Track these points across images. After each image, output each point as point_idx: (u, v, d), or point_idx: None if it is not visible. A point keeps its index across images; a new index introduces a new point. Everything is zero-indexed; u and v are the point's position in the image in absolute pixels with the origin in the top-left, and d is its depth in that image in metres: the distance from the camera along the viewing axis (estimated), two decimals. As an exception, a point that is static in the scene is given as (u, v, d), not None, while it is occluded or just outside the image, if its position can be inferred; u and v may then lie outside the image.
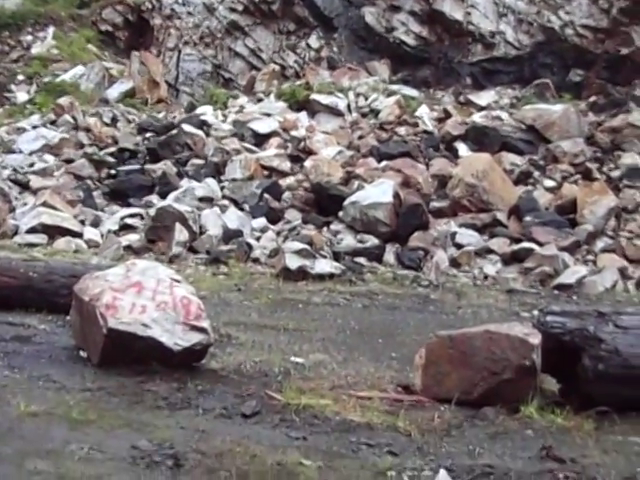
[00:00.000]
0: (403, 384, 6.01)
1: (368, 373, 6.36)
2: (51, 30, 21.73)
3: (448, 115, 16.27)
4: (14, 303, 7.76)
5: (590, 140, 14.81)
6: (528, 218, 12.59)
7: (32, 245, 12.30)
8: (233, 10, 20.46)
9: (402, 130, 15.85)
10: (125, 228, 13.02)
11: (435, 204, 13.23)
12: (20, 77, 20.20)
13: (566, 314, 5.77)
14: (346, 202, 12.77)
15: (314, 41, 19.99)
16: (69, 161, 15.40)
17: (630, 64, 17.44)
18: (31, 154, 15.69)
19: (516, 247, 12.07)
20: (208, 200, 13.51)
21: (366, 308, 9.73)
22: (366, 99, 17.10)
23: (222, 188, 14.05)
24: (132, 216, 13.36)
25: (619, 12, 17.65)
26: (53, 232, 12.71)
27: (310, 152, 15.05)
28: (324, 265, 11.24)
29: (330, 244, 12.20)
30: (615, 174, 13.96)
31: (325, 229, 12.75)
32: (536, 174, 14.11)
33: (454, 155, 14.80)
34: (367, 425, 5.16)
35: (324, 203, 13.27)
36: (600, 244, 12.42)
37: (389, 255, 12.13)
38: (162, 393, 5.54)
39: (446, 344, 5.76)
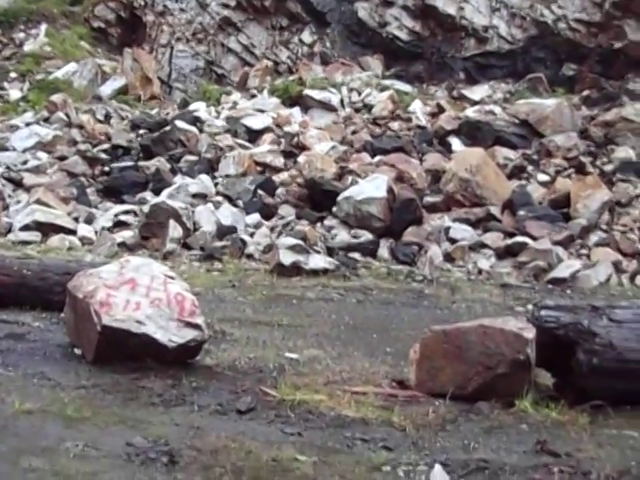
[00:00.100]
0: (398, 379, 6.01)
1: (362, 368, 6.36)
2: (43, 27, 21.62)
3: (441, 110, 16.25)
4: (8, 301, 7.74)
5: (583, 134, 14.83)
6: (522, 212, 12.60)
7: (26, 243, 12.24)
8: (226, 6, 20.41)
9: (395, 125, 15.84)
10: (119, 225, 12.98)
11: (429, 199, 13.24)
12: (13, 74, 20.08)
13: (560, 308, 5.77)
14: (340, 197, 12.77)
15: (307, 36, 19.96)
16: (62, 158, 15.33)
17: (623, 58, 17.43)
18: (24, 151, 15.61)
19: (510, 241, 12.07)
20: (202, 196, 13.48)
21: (360, 303, 9.72)
22: (359, 94, 17.07)
23: (216, 184, 14.03)
24: (126, 213, 13.32)
25: (612, 6, 17.63)
26: (47, 229, 12.68)
27: (303, 147, 15.02)
28: (318, 260, 11.22)
29: (324, 239, 12.20)
30: (608, 168, 13.97)
31: (319, 224, 12.74)
32: (530, 168, 14.13)
33: (448, 150, 14.81)
34: (362, 420, 5.16)
35: (318, 198, 13.26)
36: (594, 238, 12.42)
37: (383, 250, 12.14)
38: (157, 390, 5.53)
39: (440, 339, 5.76)
